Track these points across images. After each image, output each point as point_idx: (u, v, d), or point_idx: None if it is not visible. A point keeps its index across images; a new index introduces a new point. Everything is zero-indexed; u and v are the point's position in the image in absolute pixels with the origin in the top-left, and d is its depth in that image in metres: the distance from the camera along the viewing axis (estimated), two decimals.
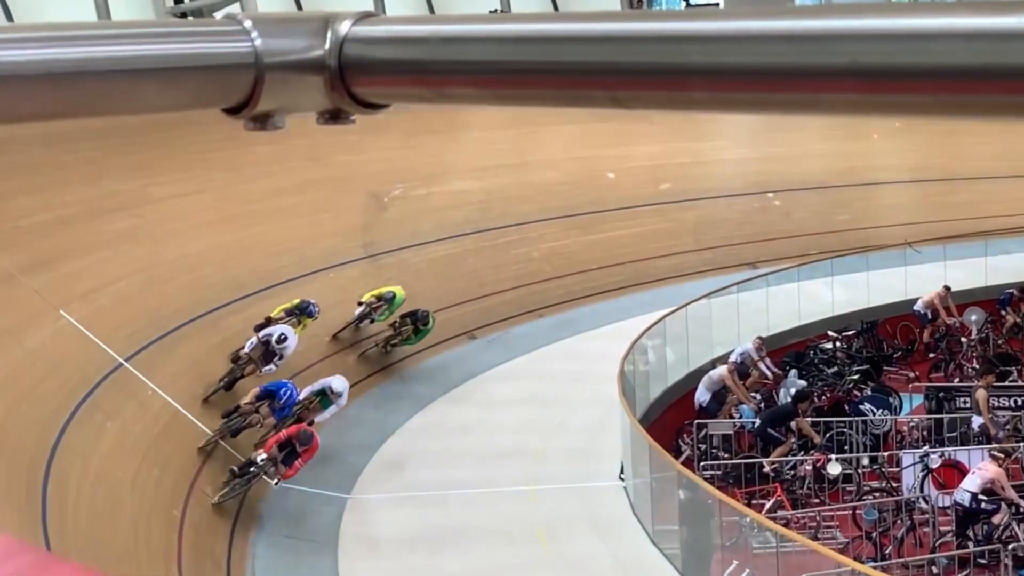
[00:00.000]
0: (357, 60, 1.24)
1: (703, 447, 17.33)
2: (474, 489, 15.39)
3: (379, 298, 19.05)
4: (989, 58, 0.84)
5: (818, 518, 15.20)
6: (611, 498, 15.31)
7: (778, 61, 0.94)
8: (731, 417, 17.95)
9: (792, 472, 16.32)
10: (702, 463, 16.58)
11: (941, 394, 19.29)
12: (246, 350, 16.25)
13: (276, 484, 14.26)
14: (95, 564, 10.64)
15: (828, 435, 17.37)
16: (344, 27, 1.25)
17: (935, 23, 0.86)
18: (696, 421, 17.70)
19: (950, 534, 14.44)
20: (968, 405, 18.36)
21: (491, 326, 21.37)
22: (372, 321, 19.23)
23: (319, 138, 20.42)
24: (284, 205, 20.24)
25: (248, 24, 1.23)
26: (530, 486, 15.47)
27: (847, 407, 18.62)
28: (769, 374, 19.24)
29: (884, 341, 22.32)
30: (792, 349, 21.04)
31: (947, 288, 22.10)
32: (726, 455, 17.18)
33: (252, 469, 14.27)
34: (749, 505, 14.87)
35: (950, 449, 16.85)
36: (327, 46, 1.24)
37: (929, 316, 21.97)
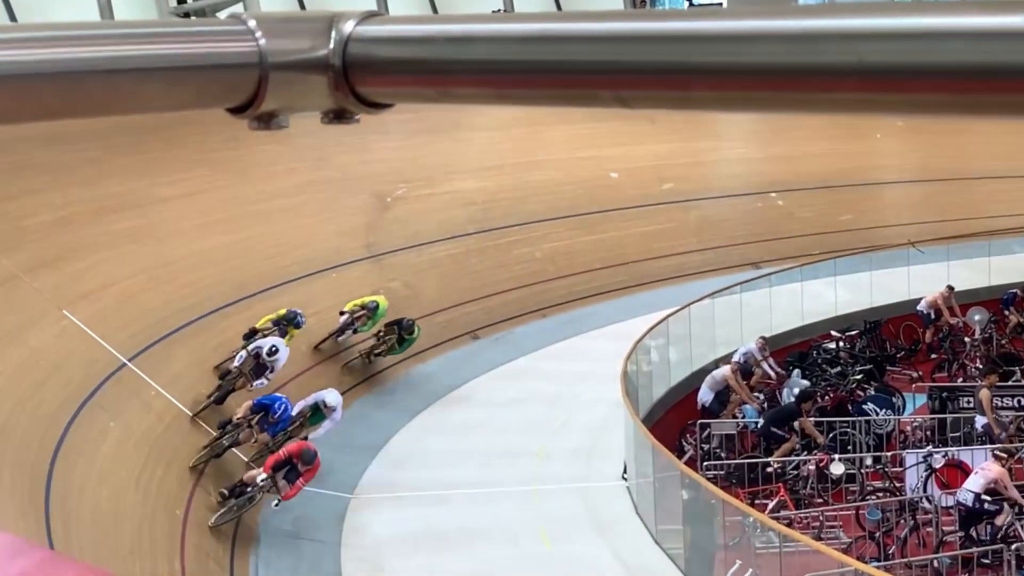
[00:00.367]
0: (361, 59, 1.24)
1: (706, 447, 17.32)
2: (477, 489, 15.40)
3: (362, 307, 18.61)
4: (996, 57, 0.84)
5: (821, 518, 15.19)
6: (614, 498, 15.31)
7: (784, 60, 0.94)
8: (734, 417, 17.94)
9: (795, 472, 16.31)
10: (705, 463, 16.57)
11: (944, 394, 19.28)
12: (236, 364, 15.66)
13: (276, 505, 13.77)
14: (98, 563, 10.65)
15: (831, 435, 17.36)
16: (348, 26, 1.25)
17: (941, 22, 0.86)
18: (699, 421, 17.70)
19: (953, 534, 14.43)
20: (971, 405, 18.35)
21: (494, 326, 21.38)
22: (355, 331, 18.74)
23: (322, 138, 20.46)
24: (287, 205, 20.25)
25: (252, 24, 1.23)
26: (533, 486, 15.48)
27: (850, 407, 18.61)
28: (772, 374, 19.23)
29: (887, 341, 22.31)
30: (795, 349, 21.04)
31: (950, 288, 22.09)
32: (729, 455, 17.17)
33: (249, 489, 13.79)
34: (752, 505, 14.86)
35: (953, 449, 16.84)
36: (331, 45, 1.24)
37: (932, 316, 21.96)
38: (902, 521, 14.93)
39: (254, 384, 15.51)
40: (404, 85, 1.27)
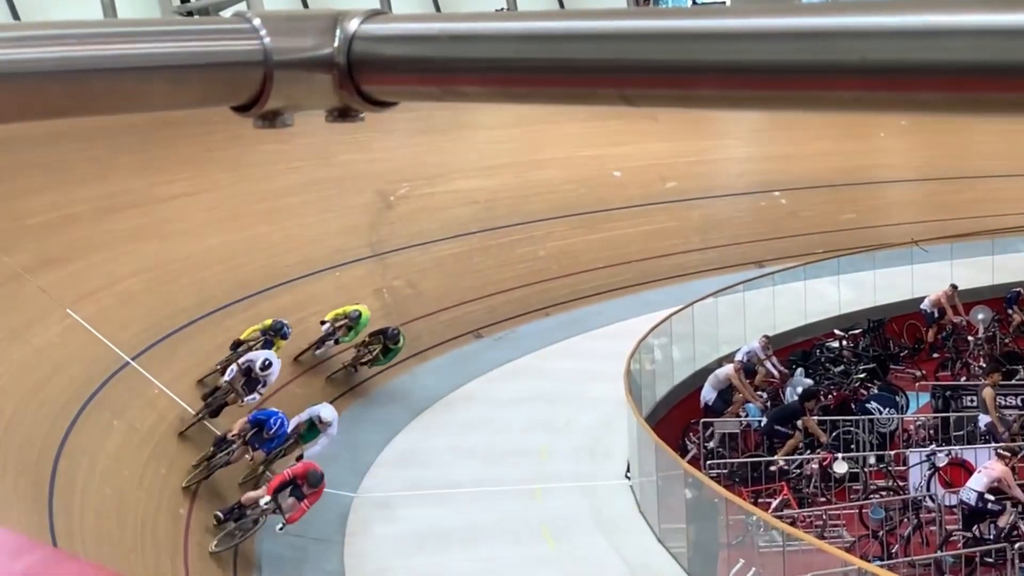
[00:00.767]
0: (366, 58, 1.24)
1: (709, 446, 17.32)
2: (480, 488, 15.40)
3: (344, 317, 18.01)
4: (999, 55, 0.84)
5: (824, 517, 15.18)
6: (617, 497, 15.31)
7: (788, 58, 0.94)
8: (737, 416, 17.94)
9: (799, 471, 16.30)
10: (708, 462, 16.57)
11: (948, 393, 19.27)
12: (226, 378, 14.98)
13: (280, 529, 13.15)
14: (102, 561, 10.66)
15: (834, 434, 17.36)
16: (353, 25, 1.25)
17: (945, 19, 0.86)
18: (702, 420, 17.69)
19: (956, 533, 14.42)
20: (975, 404, 18.33)
21: (497, 325, 21.38)
22: (336, 342, 18.13)
23: (325, 137, 20.48)
24: (290, 204, 20.26)
25: (257, 22, 1.23)
26: (536, 485, 15.48)
27: (853, 406, 18.60)
28: (775, 373, 19.22)
29: (891, 340, 22.30)
30: (798, 348, 21.03)
31: (954, 287, 22.07)
32: (732, 454, 17.17)
33: (249, 512, 13.17)
34: (755, 504, 14.85)
35: (957, 448, 16.83)
36: (336, 44, 1.24)
37: (936, 315, 21.94)
38: (905, 520, 14.92)
39: (245, 399, 14.90)
40: (409, 83, 1.27)
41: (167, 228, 17.94)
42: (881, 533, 14.67)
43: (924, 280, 22.93)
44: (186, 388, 15.41)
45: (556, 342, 20.99)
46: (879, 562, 13.56)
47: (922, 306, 22.15)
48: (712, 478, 14.92)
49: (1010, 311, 22.55)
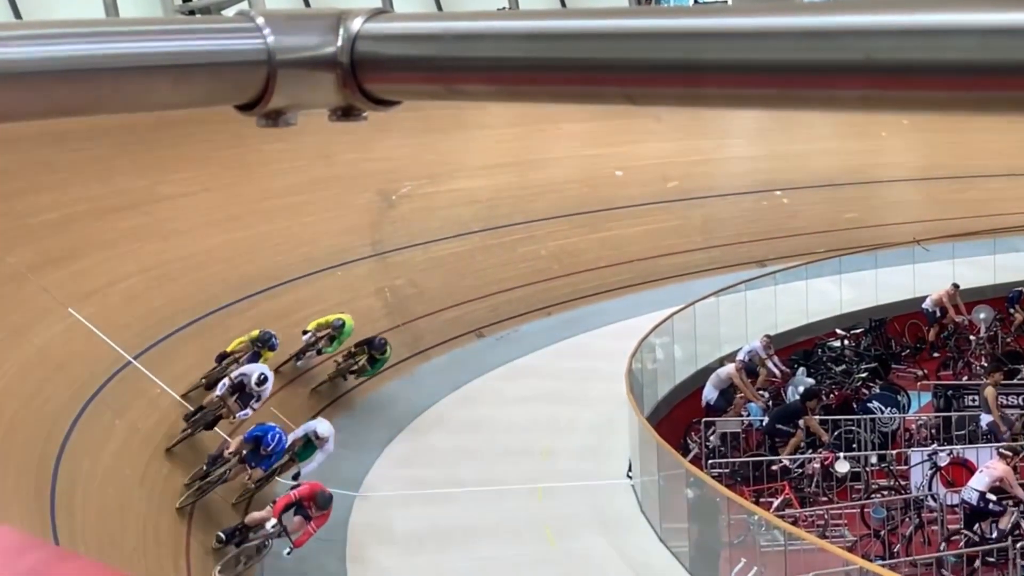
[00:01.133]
0: (369, 57, 1.24)
1: (711, 445, 17.31)
2: (482, 487, 15.40)
3: (327, 326, 17.39)
4: (1003, 54, 0.84)
5: (826, 516, 15.18)
6: (619, 496, 15.31)
7: (792, 57, 0.94)
8: (739, 415, 17.94)
9: (800, 470, 16.30)
10: (710, 461, 16.56)
11: (949, 392, 19.26)
12: (218, 392, 14.36)
13: (288, 553, 12.67)
14: (104, 560, 10.65)
15: (836, 433, 17.35)
16: (356, 24, 1.25)
17: (950, 18, 0.86)
18: (704, 419, 17.69)
19: (958, 532, 14.41)
20: (976, 403, 18.33)
21: (499, 324, 21.37)
22: (319, 352, 17.49)
23: (327, 136, 20.46)
24: (292, 203, 20.25)
25: (261, 21, 1.23)
26: (538, 484, 15.47)
27: (855, 405, 18.60)
28: (777, 372, 19.22)
29: (892, 339, 22.29)
30: (800, 347, 21.02)
31: (956, 286, 22.06)
32: (734, 453, 17.17)
33: (253, 535, 12.70)
34: (757, 503, 14.85)
35: (958, 447, 16.82)
36: (339, 43, 1.25)
37: (938, 314, 21.93)
38: (907, 519, 14.92)
39: (238, 415, 14.36)
40: (412, 82, 1.27)
41: (169, 227, 17.94)
42: (883, 532, 14.67)
43: (926, 279, 22.92)
44: (188, 388, 15.40)
45: (558, 341, 20.99)
46: (881, 561, 13.56)
47: (924, 305, 22.14)
48: (714, 477, 14.92)
49: (1012, 310, 22.54)
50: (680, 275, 23.69)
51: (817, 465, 16.08)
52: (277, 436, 13.53)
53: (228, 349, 15.85)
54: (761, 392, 18.57)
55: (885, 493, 15.83)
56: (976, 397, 18.47)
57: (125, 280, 16.32)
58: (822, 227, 26.15)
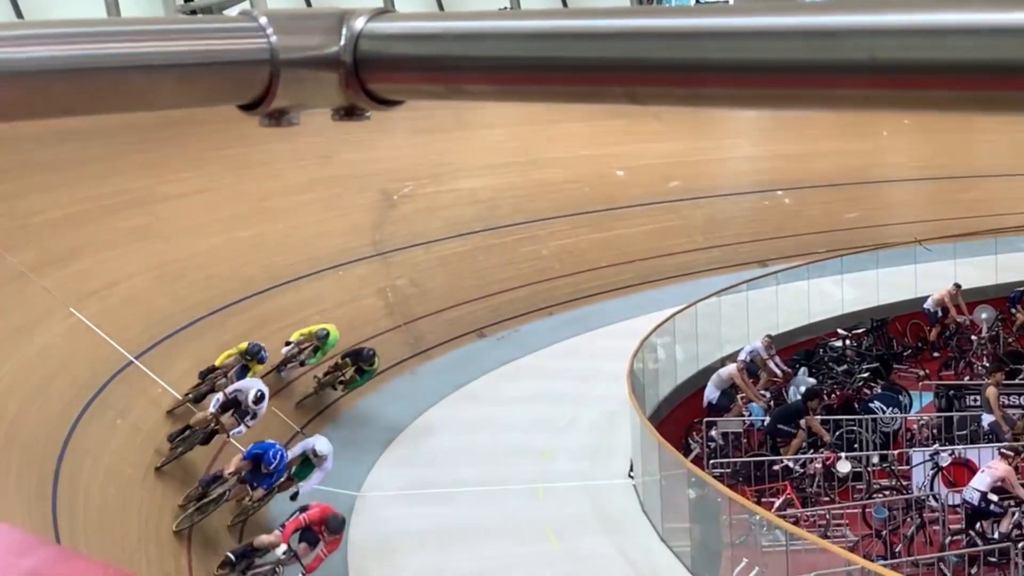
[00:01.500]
0: (372, 56, 1.24)
1: (712, 445, 17.31)
2: (484, 487, 15.40)
3: (310, 336, 16.80)
4: (1006, 53, 0.84)
5: (828, 516, 15.17)
6: (620, 496, 15.30)
7: (795, 57, 0.94)
8: (740, 415, 17.93)
9: (802, 470, 16.29)
10: (711, 461, 16.56)
11: (951, 392, 19.24)
12: (212, 409, 13.85)
13: None
14: (105, 559, 10.63)
15: (838, 433, 17.34)
16: (359, 23, 1.25)
17: (953, 18, 0.86)
18: (705, 419, 17.69)
19: (960, 532, 14.41)
20: (978, 403, 18.32)
21: (500, 324, 21.38)
22: (302, 364, 16.89)
23: (329, 136, 20.48)
24: (294, 203, 20.26)
25: (264, 21, 1.23)
26: (539, 484, 15.47)
27: (857, 405, 18.59)
28: (779, 372, 19.21)
29: (894, 339, 22.28)
30: (802, 347, 21.01)
31: (957, 286, 22.04)
32: (735, 453, 17.16)
33: (258, 560, 12.18)
34: (758, 503, 14.84)
35: (960, 447, 16.81)
36: (342, 42, 1.25)
37: (939, 314, 21.92)
38: (909, 519, 14.91)
39: (232, 433, 13.83)
40: (415, 82, 1.27)
41: (171, 227, 17.95)
42: (884, 533, 14.65)
43: (927, 279, 22.91)
44: (190, 387, 15.38)
45: (559, 341, 20.99)
46: (882, 562, 13.55)
47: (925, 305, 22.13)
48: (715, 477, 14.91)
49: (1013, 310, 22.53)
50: (682, 275, 23.70)
51: (819, 465, 16.07)
52: (279, 453, 13.03)
53: (216, 363, 15.27)
54: (763, 392, 18.57)
55: (887, 493, 15.82)
56: (978, 397, 18.46)
57: (127, 280, 16.33)
58: (824, 227, 26.15)
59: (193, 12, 22.21)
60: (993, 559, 14.03)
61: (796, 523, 14.13)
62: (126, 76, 1.18)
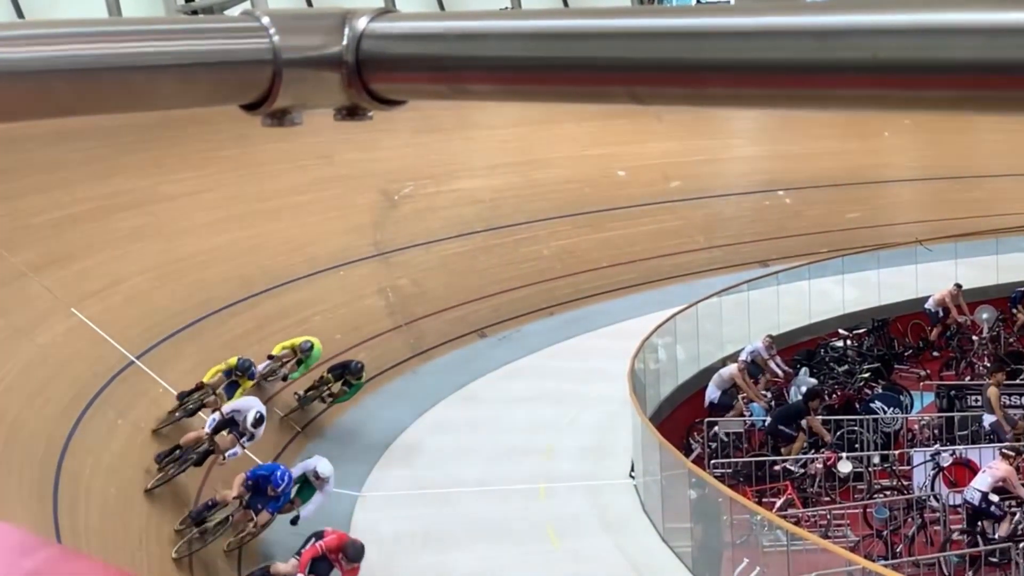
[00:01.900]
0: (375, 56, 1.24)
1: (713, 445, 17.31)
2: (484, 487, 15.39)
3: (294, 350, 16.18)
4: (1009, 52, 0.84)
5: (829, 516, 15.17)
6: (621, 496, 15.30)
7: (797, 56, 0.94)
8: (741, 415, 17.93)
9: (803, 470, 16.29)
10: (712, 461, 16.56)
11: (952, 392, 19.23)
12: (207, 430, 13.32)
13: None
14: (107, 559, 10.62)
15: (839, 433, 17.34)
16: (361, 23, 1.25)
17: (955, 18, 0.86)
18: (706, 419, 17.69)
19: (961, 532, 14.40)
20: (979, 403, 18.32)
21: (501, 324, 21.38)
22: (284, 378, 16.21)
23: (329, 136, 20.49)
24: (294, 203, 20.27)
25: (266, 21, 1.23)
26: (540, 484, 15.47)
27: (858, 405, 18.59)
28: (779, 372, 19.21)
29: (895, 339, 22.27)
30: (803, 347, 21.00)
31: (958, 286, 22.04)
32: (736, 453, 17.16)
33: None
34: (759, 503, 14.84)
35: (961, 447, 16.81)
36: (344, 42, 1.25)
37: (940, 314, 21.91)
38: (910, 519, 14.91)
39: (227, 455, 13.25)
40: (417, 81, 1.27)
41: (171, 227, 17.96)
42: (885, 533, 14.65)
43: (928, 279, 22.90)
44: (191, 387, 15.38)
45: (560, 341, 20.99)
46: (883, 562, 13.55)
47: (926, 305, 22.12)
48: (716, 477, 14.91)
49: (1014, 310, 22.52)
50: (682, 275, 23.69)
51: (820, 465, 16.07)
52: (286, 475, 12.53)
53: (204, 379, 14.64)
54: (764, 392, 18.57)
55: (888, 493, 15.81)
56: (979, 397, 18.45)
57: (128, 280, 16.33)
58: (825, 227, 26.15)
59: (194, 12, 22.22)
60: (994, 559, 14.03)
61: (797, 523, 14.13)
62: (128, 76, 1.18)
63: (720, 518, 13.74)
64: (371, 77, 1.25)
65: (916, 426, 18.43)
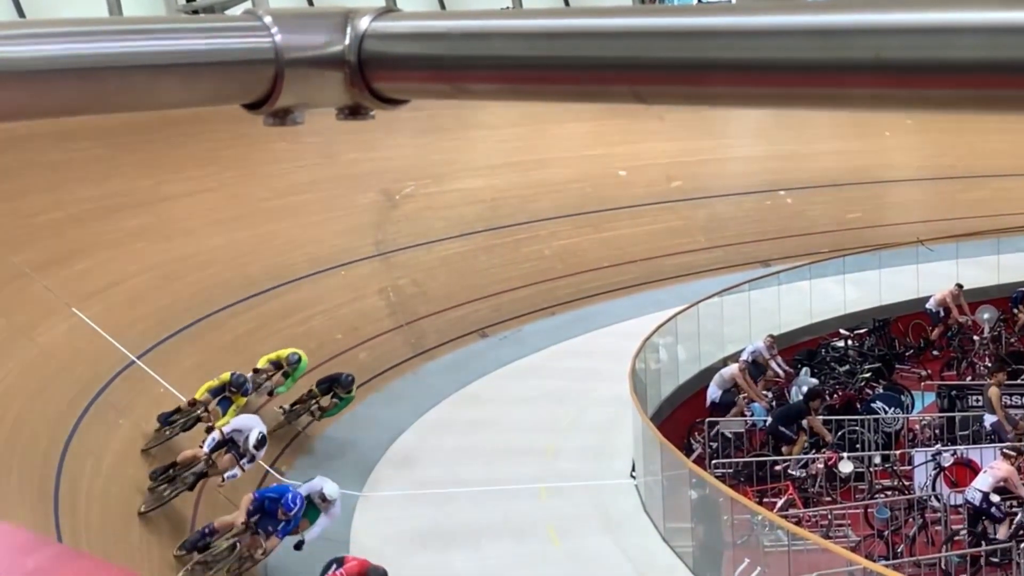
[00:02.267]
0: (377, 56, 1.24)
1: (714, 445, 17.31)
2: (485, 487, 15.39)
3: (279, 363, 15.69)
4: (1012, 52, 0.84)
5: (830, 516, 15.17)
6: (622, 496, 15.30)
7: (800, 56, 0.94)
8: (743, 415, 17.93)
9: (804, 470, 16.29)
10: (713, 461, 16.56)
11: (953, 392, 19.23)
12: (206, 450, 12.86)
13: None
14: (107, 558, 10.60)
15: (840, 433, 17.33)
16: (364, 23, 1.25)
17: (958, 17, 0.86)
18: (707, 419, 17.68)
19: (962, 532, 14.40)
20: (980, 403, 18.31)
21: (502, 324, 21.38)
22: (271, 393, 15.74)
23: (331, 136, 20.49)
24: (295, 203, 20.27)
25: (268, 20, 1.23)
26: (541, 484, 15.47)
27: (859, 405, 18.59)
28: (781, 372, 19.21)
29: (896, 339, 22.27)
30: (804, 347, 21.00)
31: (959, 286, 22.04)
32: (737, 453, 17.16)
33: None
34: (760, 503, 14.84)
35: (962, 447, 16.80)
36: (347, 41, 1.25)
37: (941, 314, 21.92)
38: (911, 519, 14.90)
39: (226, 476, 12.83)
40: (420, 81, 1.27)
41: (172, 227, 17.96)
42: (886, 533, 14.65)
43: (929, 279, 22.91)
44: (191, 387, 15.38)
45: (561, 341, 20.99)
46: (884, 562, 13.55)
47: (927, 305, 22.12)
48: (717, 477, 14.91)
49: (1016, 310, 22.52)
50: (683, 275, 23.70)
51: (821, 465, 16.07)
52: (297, 498, 12.02)
53: (196, 396, 14.23)
54: (765, 392, 18.57)
55: (889, 493, 15.81)
56: (980, 397, 18.45)
57: (129, 279, 16.34)
58: (826, 227, 26.16)
59: (195, 12, 22.23)
60: (995, 559, 14.02)
61: (798, 523, 14.12)
62: (130, 76, 1.18)
63: (721, 518, 13.74)
64: (373, 76, 1.25)
65: (917, 426, 18.43)
